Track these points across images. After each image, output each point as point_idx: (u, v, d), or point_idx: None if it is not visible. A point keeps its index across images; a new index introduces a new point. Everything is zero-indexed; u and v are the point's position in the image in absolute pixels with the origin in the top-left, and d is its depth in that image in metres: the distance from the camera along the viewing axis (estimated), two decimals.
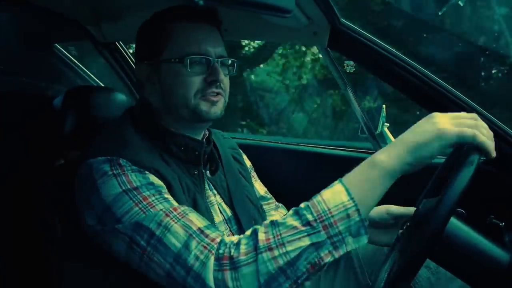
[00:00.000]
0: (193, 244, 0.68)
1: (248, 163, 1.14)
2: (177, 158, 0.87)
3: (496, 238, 0.71)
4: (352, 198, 0.65)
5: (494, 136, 1.10)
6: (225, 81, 0.88)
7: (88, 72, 1.85)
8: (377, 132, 1.48)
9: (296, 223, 0.66)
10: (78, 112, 1.05)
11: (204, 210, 0.85)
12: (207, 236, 0.69)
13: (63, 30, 1.59)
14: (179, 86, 0.84)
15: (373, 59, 1.15)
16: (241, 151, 1.14)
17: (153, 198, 0.73)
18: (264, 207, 1.11)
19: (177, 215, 0.71)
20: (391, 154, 0.66)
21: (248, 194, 1.03)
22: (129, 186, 0.73)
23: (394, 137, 1.69)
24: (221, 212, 0.94)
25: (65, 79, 1.79)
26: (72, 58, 1.81)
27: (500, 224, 0.93)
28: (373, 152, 1.47)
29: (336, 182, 0.70)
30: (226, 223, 0.94)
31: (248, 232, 0.69)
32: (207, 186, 0.93)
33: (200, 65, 0.84)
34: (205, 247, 0.68)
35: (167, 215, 0.70)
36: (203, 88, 0.85)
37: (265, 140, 1.67)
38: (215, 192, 0.95)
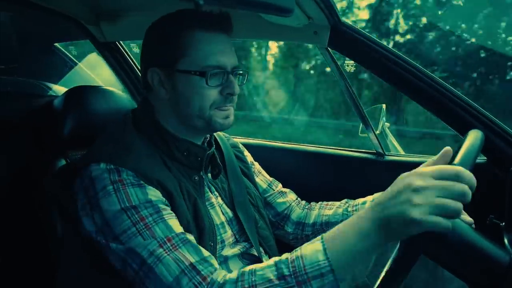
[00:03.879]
0: (185, 280, 0.70)
1: (249, 158, 1.15)
2: (179, 162, 0.88)
3: (496, 238, 0.71)
4: (327, 259, 0.66)
5: (494, 135, 1.11)
6: (237, 91, 0.89)
7: (89, 72, 1.85)
8: (378, 132, 1.49)
9: (271, 275, 0.68)
10: (78, 112, 1.05)
11: (204, 215, 0.85)
12: (198, 273, 0.71)
13: (63, 29, 1.60)
14: (196, 97, 0.84)
15: (373, 59, 1.15)
16: (242, 148, 1.14)
17: (150, 218, 0.75)
18: (268, 198, 1.12)
19: (171, 247, 0.73)
20: (379, 231, 0.62)
21: (249, 197, 1.03)
22: (127, 204, 0.75)
23: (395, 137, 1.69)
24: (223, 213, 0.95)
25: (65, 78, 1.79)
26: (73, 58, 1.81)
27: (500, 224, 0.93)
28: (374, 153, 1.48)
29: (318, 238, 0.70)
30: (228, 224, 0.95)
31: (233, 275, 0.71)
32: (207, 190, 0.94)
33: (217, 77, 0.85)
34: (196, 286, 0.70)
35: (160, 246, 0.73)
36: (218, 100, 0.86)
37: (266, 140, 1.67)
38: (216, 194, 0.96)
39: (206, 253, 0.75)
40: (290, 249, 1.14)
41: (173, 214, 0.78)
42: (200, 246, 0.76)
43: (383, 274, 0.62)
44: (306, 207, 1.14)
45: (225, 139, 1.10)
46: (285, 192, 1.16)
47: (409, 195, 0.58)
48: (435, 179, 0.58)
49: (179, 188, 0.83)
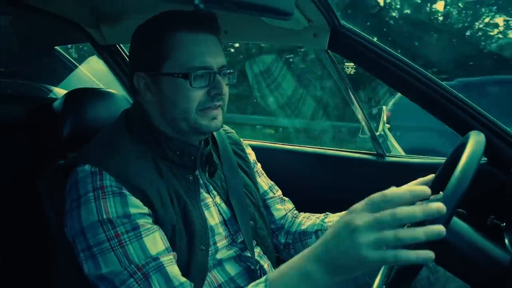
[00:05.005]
0: None
1: (252, 157, 1.14)
2: (172, 162, 0.87)
3: (496, 238, 0.71)
4: None
5: (495, 136, 1.11)
6: (226, 91, 0.87)
7: (89, 74, 1.85)
8: (378, 133, 1.49)
9: None
10: (77, 114, 1.05)
11: (194, 218, 0.84)
12: None
13: (63, 32, 1.60)
14: (181, 100, 0.83)
15: (373, 61, 1.15)
16: (244, 146, 1.12)
17: (125, 236, 0.75)
18: (268, 201, 1.11)
19: (141, 276, 0.74)
20: (323, 271, 0.62)
21: (248, 193, 1.02)
22: (105, 217, 0.75)
23: (395, 137, 1.70)
24: (220, 213, 0.94)
25: (65, 81, 1.80)
26: (73, 61, 1.81)
27: (501, 224, 0.93)
28: (374, 154, 1.48)
29: (263, 279, 0.69)
30: (225, 224, 0.94)
31: None
32: (203, 189, 0.93)
33: (203, 78, 0.83)
34: None
35: (131, 276, 0.73)
36: (205, 101, 0.84)
37: (268, 142, 1.67)
38: (214, 193, 0.95)
39: (177, 280, 0.75)
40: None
41: (153, 228, 0.77)
42: (174, 272, 0.75)
43: (390, 279, 0.62)
44: (295, 216, 1.14)
45: (223, 134, 1.08)
46: (285, 200, 1.15)
47: (349, 235, 0.58)
48: (369, 212, 0.57)
49: (166, 193, 0.82)
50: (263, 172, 1.16)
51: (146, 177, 0.80)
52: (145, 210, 0.78)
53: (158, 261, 0.75)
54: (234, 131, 1.13)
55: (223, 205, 0.95)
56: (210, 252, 0.87)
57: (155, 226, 0.78)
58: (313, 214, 1.13)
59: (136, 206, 0.77)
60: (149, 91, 0.86)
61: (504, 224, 0.92)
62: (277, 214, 1.12)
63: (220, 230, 0.92)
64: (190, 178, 0.89)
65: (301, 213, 1.15)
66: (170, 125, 0.87)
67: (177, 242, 0.81)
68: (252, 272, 0.93)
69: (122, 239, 0.74)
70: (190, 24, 0.83)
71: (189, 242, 0.82)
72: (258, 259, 0.96)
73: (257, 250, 0.99)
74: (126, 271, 0.73)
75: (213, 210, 0.92)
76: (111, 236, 0.74)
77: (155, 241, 0.76)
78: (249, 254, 0.94)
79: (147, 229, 0.76)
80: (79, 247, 0.76)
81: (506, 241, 0.84)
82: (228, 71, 0.89)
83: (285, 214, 1.13)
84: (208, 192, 0.94)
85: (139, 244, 0.75)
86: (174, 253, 0.79)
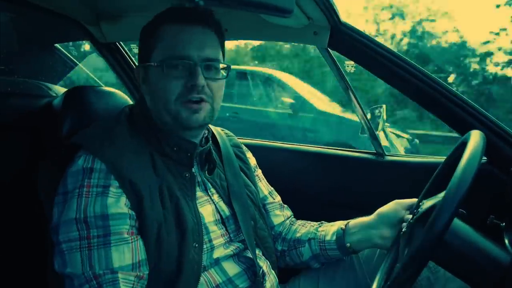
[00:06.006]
0: None
1: (252, 161, 1.14)
2: (169, 158, 0.87)
3: (496, 238, 0.71)
4: None
5: (495, 136, 1.11)
6: (213, 85, 0.85)
7: (89, 72, 1.85)
8: (378, 132, 1.49)
9: None
10: (77, 113, 1.05)
11: (186, 215, 0.84)
12: None
13: (64, 30, 1.59)
14: (160, 90, 0.84)
15: (373, 59, 1.15)
16: (245, 150, 1.13)
17: (95, 240, 0.75)
18: (267, 206, 1.11)
19: (96, 285, 0.74)
20: None
21: (249, 193, 1.02)
22: (82, 216, 0.75)
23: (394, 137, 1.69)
24: (218, 211, 0.93)
25: (65, 79, 1.79)
26: (73, 58, 1.81)
27: (501, 224, 0.92)
28: (374, 153, 1.48)
29: None
30: (222, 222, 0.93)
31: None
32: (200, 187, 0.93)
33: (180, 69, 0.83)
34: None
35: (87, 281, 0.74)
36: (183, 93, 0.83)
37: (268, 141, 1.67)
38: (213, 191, 0.95)
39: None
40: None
41: (127, 239, 0.76)
42: None
43: (391, 279, 0.62)
44: (292, 223, 1.14)
45: (225, 136, 1.09)
46: (284, 207, 1.15)
47: None
48: None
49: (157, 190, 0.81)
50: (263, 177, 1.16)
51: (138, 171, 0.80)
52: (126, 211, 0.77)
53: (115, 275, 0.74)
54: (234, 135, 1.14)
55: (221, 203, 0.95)
56: (205, 249, 0.86)
57: (132, 236, 0.77)
58: (309, 222, 1.13)
59: (119, 207, 0.76)
60: (143, 83, 0.88)
61: (504, 224, 0.92)
62: (276, 220, 1.12)
63: (216, 228, 0.91)
64: (187, 175, 0.88)
65: (298, 221, 1.15)
66: (159, 118, 0.87)
67: (165, 237, 0.80)
68: (252, 273, 0.92)
69: (91, 242, 0.75)
70: (176, 16, 0.84)
71: (180, 238, 0.82)
72: (258, 260, 0.95)
73: (257, 251, 0.98)
74: (83, 276, 0.74)
75: (209, 208, 0.92)
76: (83, 236, 0.75)
77: (123, 254, 0.75)
78: (249, 255, 0.94)
79: (120, 238, 0.76)
80: (54, 240, 0.78)
81: (506, 241, 0.84)
82: (218, 65, 0.87)
83: (283, 221, 1.13)
84: (206, 189, 0.94)
85: (105, 252, 0.75)
86: (142, 273, 0.77)
